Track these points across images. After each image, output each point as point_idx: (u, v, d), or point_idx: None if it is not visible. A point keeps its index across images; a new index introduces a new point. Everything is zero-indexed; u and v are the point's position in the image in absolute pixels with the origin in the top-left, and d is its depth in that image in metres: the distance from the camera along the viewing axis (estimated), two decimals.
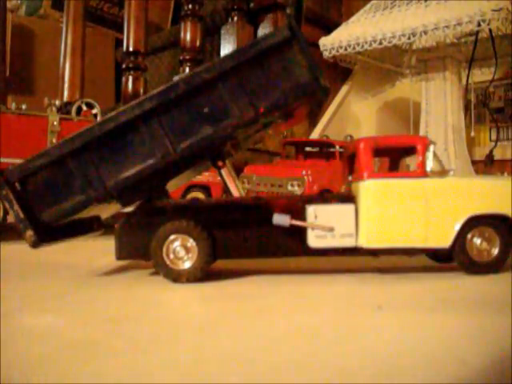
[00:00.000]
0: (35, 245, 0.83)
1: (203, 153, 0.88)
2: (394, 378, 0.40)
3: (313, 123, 2.75)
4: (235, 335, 0.54)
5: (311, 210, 0.85)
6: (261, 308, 0.67)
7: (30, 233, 0.82)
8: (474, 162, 2.47)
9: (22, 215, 0.82)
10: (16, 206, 0.82)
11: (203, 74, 0.80)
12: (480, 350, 0.47)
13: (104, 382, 0.40)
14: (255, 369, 0.43)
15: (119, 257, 0.86)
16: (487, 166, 2.63)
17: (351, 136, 2.30)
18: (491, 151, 2.64)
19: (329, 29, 2.55)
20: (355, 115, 3.03)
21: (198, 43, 2.68)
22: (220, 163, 0.93)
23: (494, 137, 2.72)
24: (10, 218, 1.66)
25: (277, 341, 0.51)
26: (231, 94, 0.80)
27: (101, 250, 1.20)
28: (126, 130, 0.81)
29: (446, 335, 0.53)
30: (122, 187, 0.83)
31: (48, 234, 0.85)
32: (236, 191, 0.92)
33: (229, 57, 0.81)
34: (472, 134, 2.56)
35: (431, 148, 0.86)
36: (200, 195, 2.01)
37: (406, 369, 0.42)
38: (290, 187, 2.07)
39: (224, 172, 0.93)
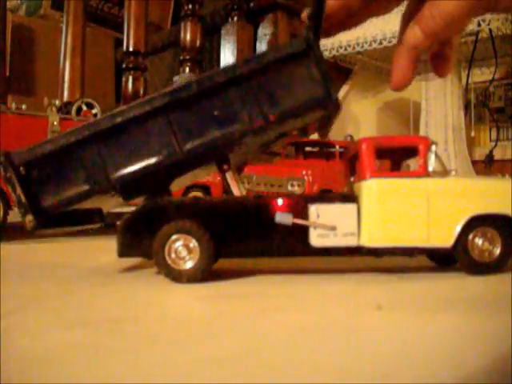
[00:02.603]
0: (33, 230, 0.83)
1: (209, 155, 0.88)
2: (393, 378, 0.40)
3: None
4: (235, 335, 0.54)
5: (313, 209, 0.84)
6: (261, 308, 0.67)
7: (29, 218, 0.82)
8: (474, 162, 2.47)
9: (23, 200, 0.82)
10: (19, 190, 0.82)
11: (216, 77, 0.79)
12: (480, 350, 0.47)
13: (104, 382, 0.40)
14: (255, 369, 0.43)
15: (121, 254, 0.86)
16: (487, 166, 2.63)
17: (351, 136, 2.30)
18: (491, 151, 2.64)
19: None
20: (355, 115, 3.03)
21: (198, 43, 2.68)
22: (225, 167, 0.92)
23: (494, 137, 2.72)
24: (10, 218, 1.66)
25: (277, 341, 0.51)
26: (242, 99, 0.79)
27: (102, 249, 1.20)
28: (134, 125, 0.81)
29: (446, 335, 0.53)
30: (126, 181, 0.83)
31: (48, 220, 0.85)
32: (239, 194, 0.92)
33: (243, 62, 0.81)
34: (472, 133, 2.56)
35: (433, 148, 0.86)
36: (200, 195, 2.01)
37: (405, 369, 0.42)
38: (289, 187, 2.07)
39: (228, 176, 0.93)
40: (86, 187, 0.83)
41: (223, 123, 0.80)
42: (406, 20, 0.63)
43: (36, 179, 0.83)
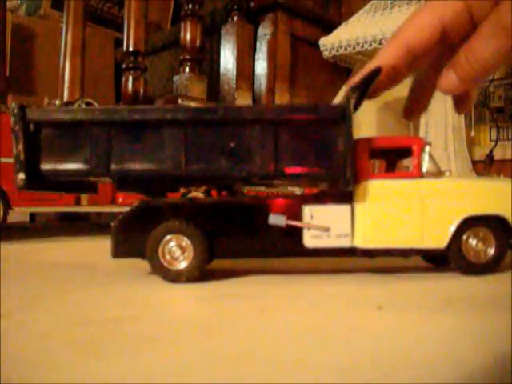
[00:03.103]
0: (21, 188, 0.83)
1: (211, 181, 0.88)
2: (393, 377, 0.40)
3: None
4: (235, 335, 0.54)
5: (307, 210, 0.84)
6: (261, 308, 0.67)
7: (21, 176, 0.82)
8: (473, 162, 2.47)
9: (22, 157, 0.82)
10: (21, 146, 0.82)
11: (245, 112, 0.79)
12: (480, 349, 0.47)
13: (104, 382, 0.40)
14: (255, 369, 0.43)
15: (115, 255, 0.86)
16: (487, 166, 2.63)
17: None
18: (491, 151, 2.64)
19: (329, 29, 2.56)
20: (355, 115, 3.03)
21: (198, 43, 2.68)
22: (224, 193, 0.92)
23: (494, 137, 2.71)
24: (10, 218, 1.66)
25: (277, 341, 0.51)
26: (262, 142, 0.79)
27: (101, 249, 1.20)
28: (149, 128, 0.81)
29: (445, 335, 0.53)
30: (124, 176, 0.83)
31: (40, 181, 0.85)
32: None
33: (274, 109, 0.80)
34: (472, 133, 2.56)
35: (427, 149, 0.86)
36: (200, 195, 2.01)
37: (405, 369, 0.42)
38: (290, 187, 2.07)
39: None
40: (84, 167, 0.83)
41: (235, 158, 0.80)
42: (434, 64, 0.63)
43: (41, 141, 0.84)
